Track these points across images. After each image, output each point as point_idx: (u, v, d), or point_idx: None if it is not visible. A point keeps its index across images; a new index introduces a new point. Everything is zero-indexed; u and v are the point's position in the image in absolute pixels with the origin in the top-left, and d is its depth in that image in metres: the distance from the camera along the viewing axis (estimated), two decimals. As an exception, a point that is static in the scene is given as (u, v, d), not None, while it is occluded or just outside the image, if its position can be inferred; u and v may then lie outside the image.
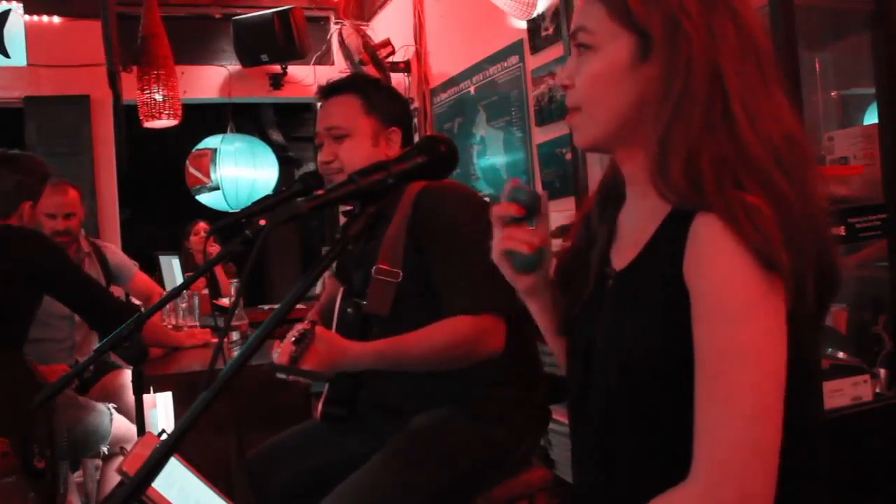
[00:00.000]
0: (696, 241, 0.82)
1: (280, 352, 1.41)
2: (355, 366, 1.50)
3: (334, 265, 1.93)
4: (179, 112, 4.20)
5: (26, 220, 2.46)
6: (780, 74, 0.92)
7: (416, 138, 3.27)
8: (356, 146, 1.70)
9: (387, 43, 4.16)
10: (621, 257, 0.98)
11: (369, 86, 1.76)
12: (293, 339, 1.39)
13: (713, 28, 0.87)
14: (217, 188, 4.91)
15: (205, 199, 5.03)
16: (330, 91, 1.76)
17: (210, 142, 5.05)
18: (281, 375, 1.41)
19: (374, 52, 4.02)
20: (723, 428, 0.78)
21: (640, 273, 0.92)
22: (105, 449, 2.62)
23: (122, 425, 2.65)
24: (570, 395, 1.04)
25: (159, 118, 4.14)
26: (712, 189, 0.82)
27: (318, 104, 1.80)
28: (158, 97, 4.08)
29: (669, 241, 0.86)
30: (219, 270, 4.79)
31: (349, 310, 1.72)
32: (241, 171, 4.95)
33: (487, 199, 3.52)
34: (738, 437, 0.77)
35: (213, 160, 4.91)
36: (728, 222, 0.79)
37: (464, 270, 1.54)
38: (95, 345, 2.96)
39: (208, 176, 4.92)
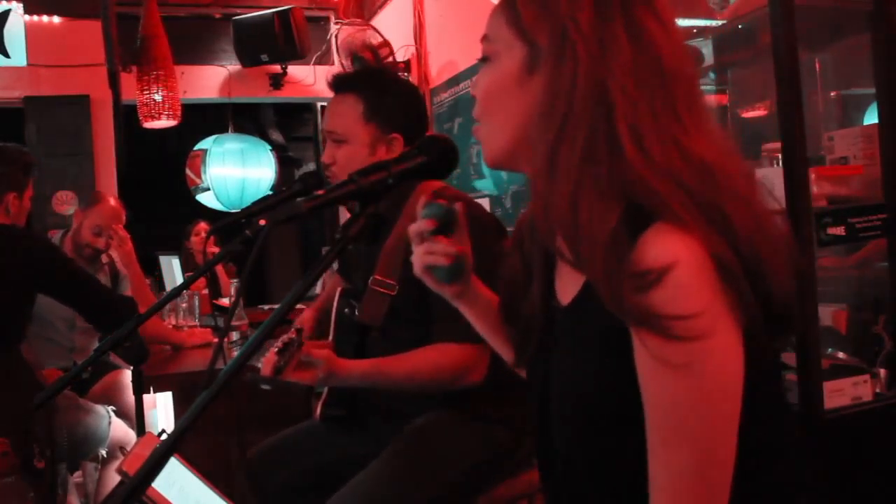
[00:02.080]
0: None
1: (263, 362, 1.39)
2: (342, 383, 1.51)
3: (338, 262, 1.93)
4: (179, 112, 4.21)
5: (13, 212, 2.45)
6: (697, 95, 0.82)
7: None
8: (352, 154, 1.66)
9: (386, 44, 4.16)
10: (566, 290, 0.90)
11: (375, 88, 1.69)
12: (276, 349, 1.35)
13: (604, 41, 0.78)
14: (208, 189, 5.00)
15: (202, 199, 5.12)
16: (338, 85, 1.73)
17: (205, 143, 5.13)
18: (266, 386, 1.39)
19: (377, 52, 4.03)
20: (674, 476, 0.76)
21: (587, 309, 0.83)
22: (103, 452, 2.61)
23: (120, 428, 2.65)
24: (536, 420, 0.98)
25: (159, 118, 4.15)
26: (586, 234, 0.75)
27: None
28: (158, 97, 4.09)
29: None
30: (220, 270, 4.80)
31: (346, 310, 1.72)
32: (228, 171, 5.02)
33: (487, 198, 3.52)
34: (690, 487, 0.75)
35: (204, 161, 4.97)
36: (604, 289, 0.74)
37: None
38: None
39: (200, 177, 5.00)
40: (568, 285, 0.89)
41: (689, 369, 0.72)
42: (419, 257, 1.04)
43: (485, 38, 0.89)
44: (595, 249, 0.75)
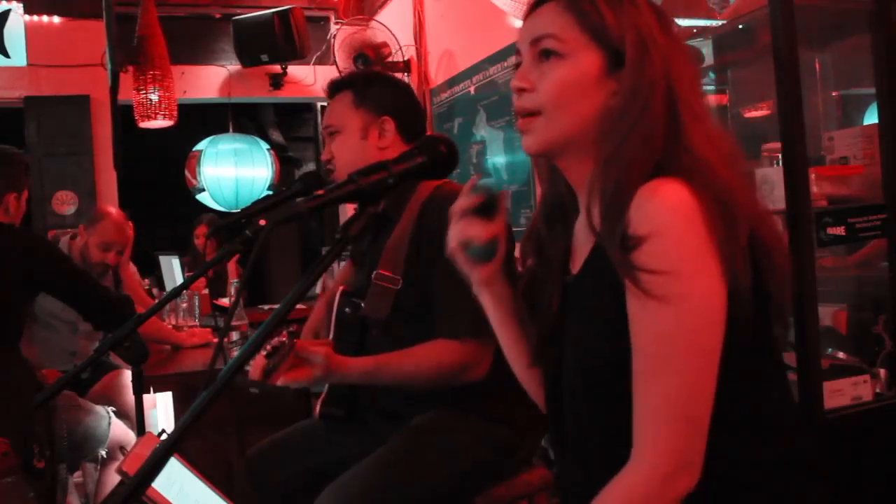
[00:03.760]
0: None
1: (252, 366, 1.36)
2: (341, 380, 1.51)
3: (350, 252, 1.94)
4: (175, 113, 4.20)
5: (12, 212, 2.45)
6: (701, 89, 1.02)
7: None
8: (345, 141, 1.72)
9: (387, 42, 4.16)
10: (576, 265, 1.01)
11: (362, 79, 1.78)
12: (265, 352, 1.31)
13: (668, 53, 0.93)
14: (203, 190, 5.04)
15: (201, 199, 5.16)
16: (330, 91, 1.80)
17: (201, 144, 5.16)
18: (254, 390, 1.37)
19: (379, 51, 4.03)
20: (659, 408, 0.84)
21: (591, 275, 0.96)
22: (103, 452, 2.61)
23: (120, 428, 2.65)
24: (547, 402, 1.07)
25: (155, 118, 4.14)
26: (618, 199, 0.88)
27: None
28: (154, 97, 4.08)
29: None
30: (231, 268, 4.79)
31: (347, 310, 1.72)
32: (222, 172, 5.05)
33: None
34: (675, 416, 0.84)
35: (199, 162, 5.00)
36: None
37: (458, 293, 1.40)
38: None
39: (196, 178, 5.04)
40: (578, 259, 1.00)
41: (669, 306, 0.83)
42: (456, 232, 1.06)
43: (551, 37, 0.96)
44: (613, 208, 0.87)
